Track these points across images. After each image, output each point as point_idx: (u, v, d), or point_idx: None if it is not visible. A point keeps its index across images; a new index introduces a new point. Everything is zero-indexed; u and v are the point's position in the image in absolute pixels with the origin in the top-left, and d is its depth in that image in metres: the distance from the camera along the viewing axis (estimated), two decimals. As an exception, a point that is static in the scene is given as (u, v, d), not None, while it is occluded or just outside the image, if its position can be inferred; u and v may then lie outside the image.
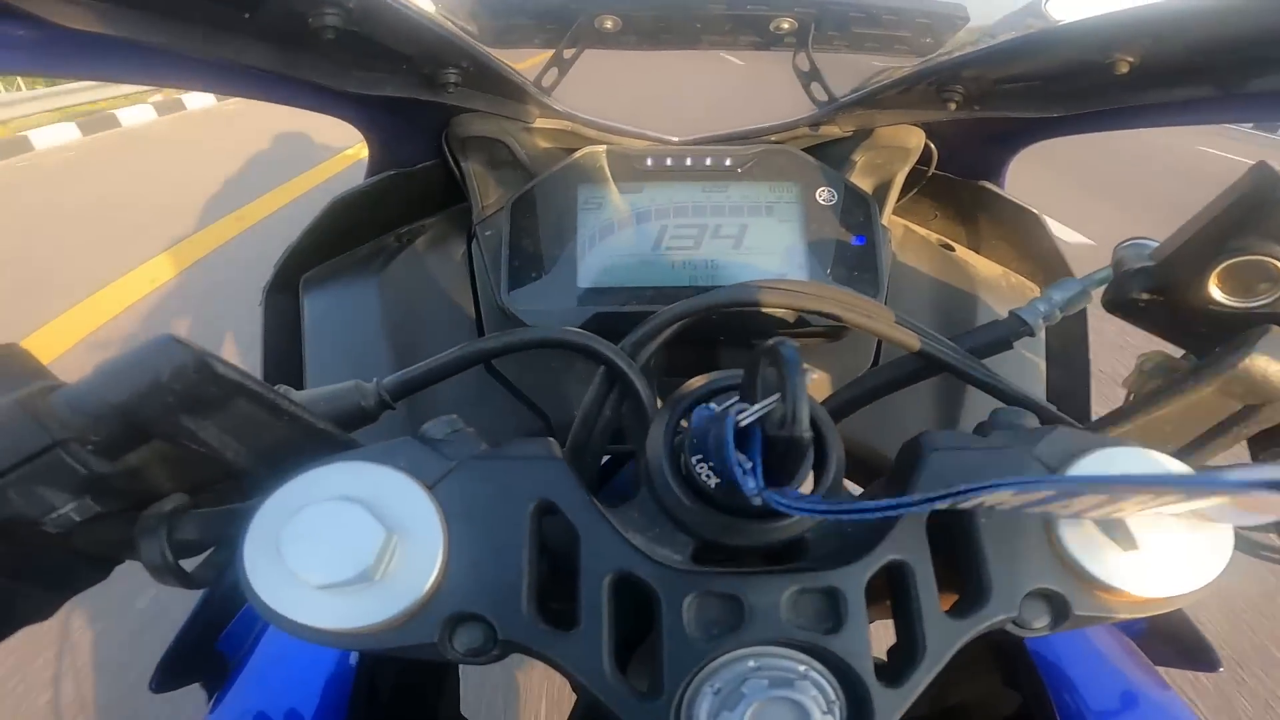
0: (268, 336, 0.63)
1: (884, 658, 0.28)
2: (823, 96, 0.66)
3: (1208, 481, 0.19)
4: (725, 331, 0.56)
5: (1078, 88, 0.53)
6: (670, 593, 0.27)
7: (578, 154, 0.59)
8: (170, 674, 0.51)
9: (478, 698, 1.39)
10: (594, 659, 0.26)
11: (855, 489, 0.48)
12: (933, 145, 0.65)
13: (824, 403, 0.44)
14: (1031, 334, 0.43)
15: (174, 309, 3.10)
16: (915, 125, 0.63)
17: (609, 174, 0.59)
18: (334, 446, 0.31)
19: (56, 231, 3.91)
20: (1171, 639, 0.51)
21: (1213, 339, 0.34)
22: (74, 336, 2.84)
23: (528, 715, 1.39)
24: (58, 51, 0.38)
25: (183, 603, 0.48)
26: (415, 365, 0.40)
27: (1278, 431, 0.32)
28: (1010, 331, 0.43)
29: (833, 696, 0.25)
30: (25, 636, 0.31)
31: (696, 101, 7.78)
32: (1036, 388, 0.63)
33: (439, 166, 0.66)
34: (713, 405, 0.30)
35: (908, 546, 0.27)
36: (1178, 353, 0.38)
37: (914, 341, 0.40)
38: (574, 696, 0.43)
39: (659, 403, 0.37)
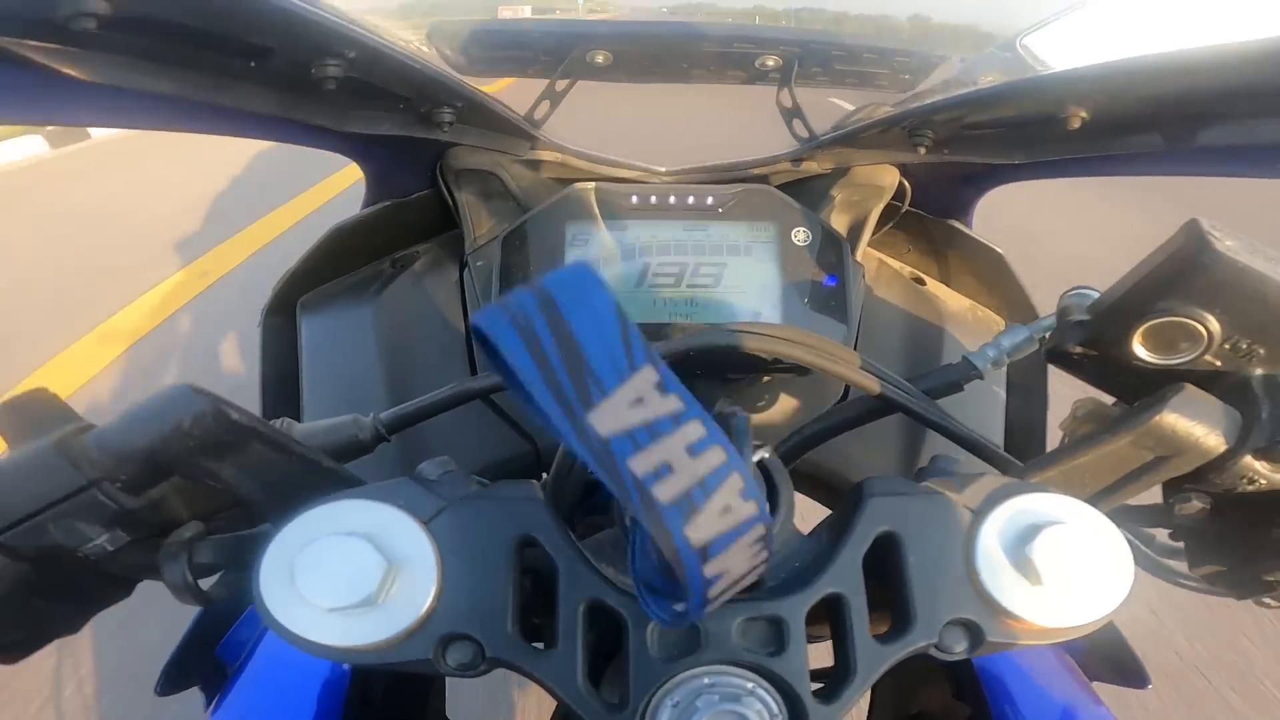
0: (266, 358, 0.66)
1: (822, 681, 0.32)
2: (804, 133, 0.69)
3: None
4: (702, 367, 0.59)
5: (1036, 137, 0.57)
6: (636, 619, 0.30)
7: (566, 191, 0.62)
8: (173, 679, 0.54)
9: (476, 699, 1.42)
10: (569, 676, 0.30)
11: (825, 511, 0.52)
12: (907, 183, 0.68)
13: (789, 438, 0.47)
14: (980, 377, 0.47)
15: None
16: (890, 165, 0.66)
17: (596, 211, 0.61)
18: (336, 481, 0.35)
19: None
20: (1107, 658, 0.55)
21: (1140, 390, 0.36)
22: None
23: (527, 715, 1.43)
24: (63, 99, 0.40)
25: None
26: (410, 401, 0.44)
27: (1186, 479, 0.35)
28: (961, 375, 0.47)
29: (775, 710, 0.29)
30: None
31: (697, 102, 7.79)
32: (996, 423, 0.66)
33: (433, 195, 0.68)
34: None
35: (844, 580, 0.31)
36: (1110, 399, 0.41)
37: (874, 386, 0.43)
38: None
39: None
